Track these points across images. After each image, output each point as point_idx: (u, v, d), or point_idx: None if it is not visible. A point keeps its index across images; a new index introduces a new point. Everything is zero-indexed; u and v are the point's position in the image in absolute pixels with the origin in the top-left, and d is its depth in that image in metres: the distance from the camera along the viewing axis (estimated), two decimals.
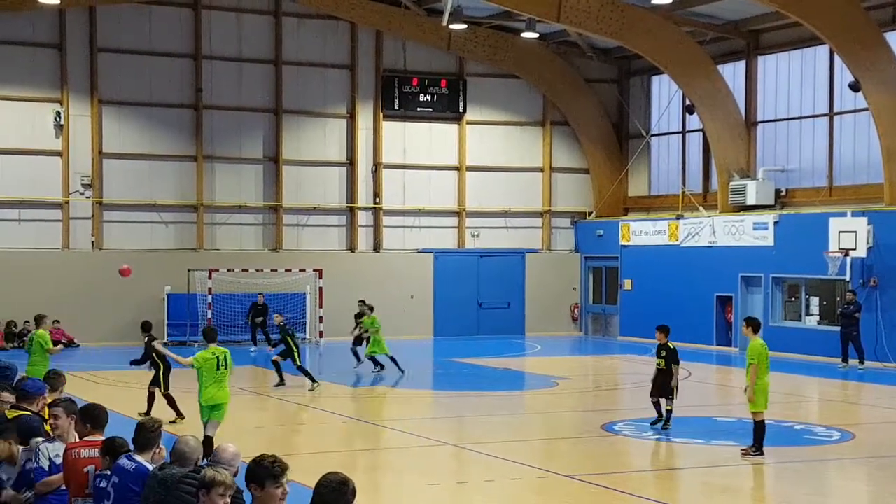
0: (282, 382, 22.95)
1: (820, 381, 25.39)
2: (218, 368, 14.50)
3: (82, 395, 18.43)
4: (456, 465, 15.95)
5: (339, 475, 5.82)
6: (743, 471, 15.19)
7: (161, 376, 18.63)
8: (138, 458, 7.69)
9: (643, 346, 32.33)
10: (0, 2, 30.54)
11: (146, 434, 7.79)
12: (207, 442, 13.62)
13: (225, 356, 14.59)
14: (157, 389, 18.66)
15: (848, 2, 27.13)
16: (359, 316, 27.58)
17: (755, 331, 15.70)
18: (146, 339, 19.24)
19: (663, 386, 17.66)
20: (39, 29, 31.76)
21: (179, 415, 18.20)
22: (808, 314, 30.19)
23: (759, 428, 15.49)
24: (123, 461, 7.66)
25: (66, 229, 31.97)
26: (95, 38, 32.18)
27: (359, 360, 26.20)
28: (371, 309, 26.32)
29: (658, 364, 17.80)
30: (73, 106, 32.01)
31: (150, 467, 7.54)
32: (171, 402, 18.41)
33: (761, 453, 15.42)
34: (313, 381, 22.64)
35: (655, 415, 17.98)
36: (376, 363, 25.68)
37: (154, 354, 18.75)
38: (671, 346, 17.74)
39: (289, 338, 23.06)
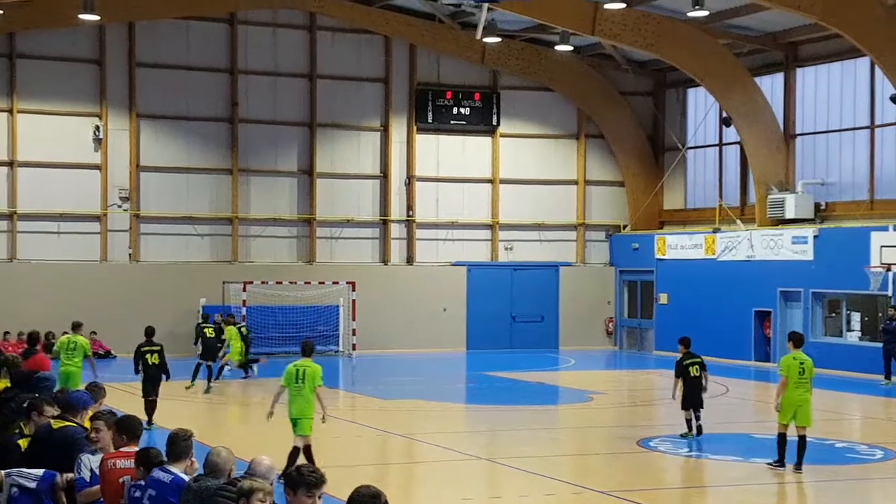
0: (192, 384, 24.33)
1: (862, 399, 25.03)
2: (296, 381, 14.60)
3: (119, 406, 18.48)
4: (489, 479, 15.83)
5: (371, 488, 5.83)
6: (781, 489, 14.97)
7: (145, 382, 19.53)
8: (173, 469, 7.64)
9: None
10: (42, 18, 30.86)
11: (180, 444, 7.75)
12: (293, 453, 14.40)
13: (304, 370, 14.61)
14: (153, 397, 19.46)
15: (888, 13, 26.85)
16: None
17: (795, 345, 15.76)
18: (143, 345, 19.86)
19: (699, 395, 18.20)
20: (80, 45, 32.05)
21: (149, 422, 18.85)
22: (849, 330, 29.79)
23: (779, 441, 15.54)
24: (158, 473, 7.62)
25: (104, 242, 32.18)
26: (134, 54, 32.44)
27: (252, 369, 27.00)
28: (230, 323, 26.94)
29: (694, 373, 18.23)
30: (112, 120, 32.27)
31: (186, 478, 7.49)
32: (153, 407, 19.37)
33: (782, 466, 15.36)
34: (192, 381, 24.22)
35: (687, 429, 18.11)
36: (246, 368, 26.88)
37: (140, 361, 19.55)
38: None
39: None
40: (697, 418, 18.14)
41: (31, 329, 30.53)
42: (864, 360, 28.13)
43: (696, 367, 18.33)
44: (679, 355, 18.58)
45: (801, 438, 15.41)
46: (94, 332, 31.61)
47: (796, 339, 15.92)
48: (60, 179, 31.80)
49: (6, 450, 9.09)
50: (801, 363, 15.56)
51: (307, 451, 14.57)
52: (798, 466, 15.28)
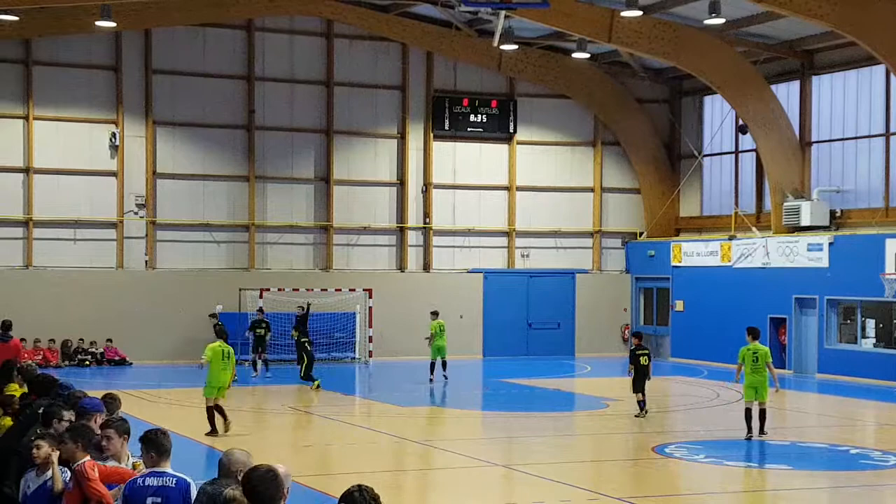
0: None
1: (876, 405, 24.96)
2: (222, 359, 19.19)
3: (136, 413, 18.60)
4: (505, 486, 15.85)
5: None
6: (797, 495, 14.96)
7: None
8: (168, 470, 7.42)
9: (695, 367, 32.02)
10: (58, 25, 31.06)
11: (164, 441, 7.50)
12: (210, 412, 19.00)
13: (230, 351, 19.37)
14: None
15: None
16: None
17: (753, 338, 19.23)
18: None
19: (644, 381, 21.40)
20: (96, 51, 32.24)
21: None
22: (863, 337, 29.71)
23: (746, 415, 18.75)
24: (154, 479, 7.37)
25: (120, 249, 32.33)
26: (150, 61, 32.60)
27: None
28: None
29: (643, 362, 21.45)
30: (128, 127, 32.43)
31: (190, 481, 7.39)
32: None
33: (750, 434, 18.60)
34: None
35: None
36: None
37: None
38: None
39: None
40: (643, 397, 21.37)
41: (49, 336, 31.04)
42: (879, 367, 28.09)
43: (646, 357, 21.62)
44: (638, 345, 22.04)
45: (762, 411, 18.81)
46: (110, 340, 31.82)
47: (753, 333, 19.37)
48: (76, 186, 31.95)
49: (24, 456, 9.15)
50: (755, 352, 18.91)
51: (220, 409, 19.11)
52: (762, 431, 18.67)
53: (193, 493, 7.36)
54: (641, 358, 21.55)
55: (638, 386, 21.37)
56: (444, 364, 28.00)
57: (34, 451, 8.27)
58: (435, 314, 28.92)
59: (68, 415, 9.46)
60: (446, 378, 28.03)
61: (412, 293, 34.61)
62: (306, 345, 26.38)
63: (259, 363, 29.30)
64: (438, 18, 33.83)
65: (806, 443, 19.13)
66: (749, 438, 18.57)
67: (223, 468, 7.15)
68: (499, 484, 15.89)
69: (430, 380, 27.88)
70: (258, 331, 29.49)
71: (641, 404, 21.32)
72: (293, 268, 33.94)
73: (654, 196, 36.72)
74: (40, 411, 9.72)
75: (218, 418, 19.14)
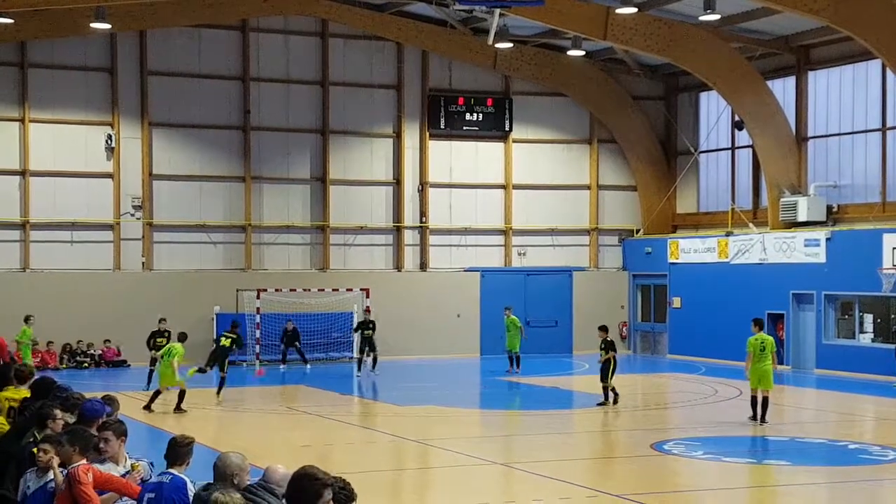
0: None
1: (874, 400, 24.96)
2: (167, 356, 22.12)
3: (134, 414, 18.62)
4: (504, 484, 15.85)
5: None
6: (795, 490, 14.97)
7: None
8: (172, 471, 7.79)
9: (692, 364, 32.03)
10: (53, 28, 31.03)
11: (178, 449, 7.89)
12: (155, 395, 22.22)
13: (171, 349, 22.25)
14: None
15: None
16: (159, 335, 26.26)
17: (759, 328, 20.59)
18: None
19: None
20: (91, 53, 32.20)
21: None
22: (861, 332, 29.72)
23: (752, 402, 20.06)
24: (157, 477, 7.83)
25: (116, 250, 32.31)
26: (146, 62, 32.58)
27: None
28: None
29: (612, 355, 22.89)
30: (124, 128, 32.40)
31: (186, 478, 7.66)
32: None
33: (755, 420, 19.83)
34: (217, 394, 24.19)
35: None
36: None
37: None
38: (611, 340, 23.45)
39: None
40: (614, 388, 22.85)
41: (47, 339, 31.02)
42: (877, 362, 28.07)
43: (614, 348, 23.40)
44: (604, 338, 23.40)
45: (765, 399, 19.91)
46: (108, 341, 31.82)
47: (759, 323, 20.85)
48: (73, 188, 31.92)
49: (21, 458, 9.14)
50: (762, 342, 20.14)
51: (181, 394, 21.88)
52: (763, 420, 19.73)
53: (190, 489, 7.62)
54: (612, 350, 23.26)
55: (610, 376, 22.74)
56: (511, 359, 30.68)
57: (40, 454, 8.39)
58: (508, 309, 31.44)
59: (61, 414, 9.46)
60: (514, 372, 30.20)
61: (409, 292, 34.62)
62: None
63: (367, 361, 29.99)
64: (433, 17, 33.82)
65: (805, 438, 19.14)
66: (754, 419, 19.81)
67: (218, 472, 7.26)
68: (498, 482, 15.89)
69: (508, 371, 30.34)
70: (366, 332, 30.04)
71: (615, 393, 22.80)
72: (290, 268, 33.92)
73: (651, 193, 36.73)
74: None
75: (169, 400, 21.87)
